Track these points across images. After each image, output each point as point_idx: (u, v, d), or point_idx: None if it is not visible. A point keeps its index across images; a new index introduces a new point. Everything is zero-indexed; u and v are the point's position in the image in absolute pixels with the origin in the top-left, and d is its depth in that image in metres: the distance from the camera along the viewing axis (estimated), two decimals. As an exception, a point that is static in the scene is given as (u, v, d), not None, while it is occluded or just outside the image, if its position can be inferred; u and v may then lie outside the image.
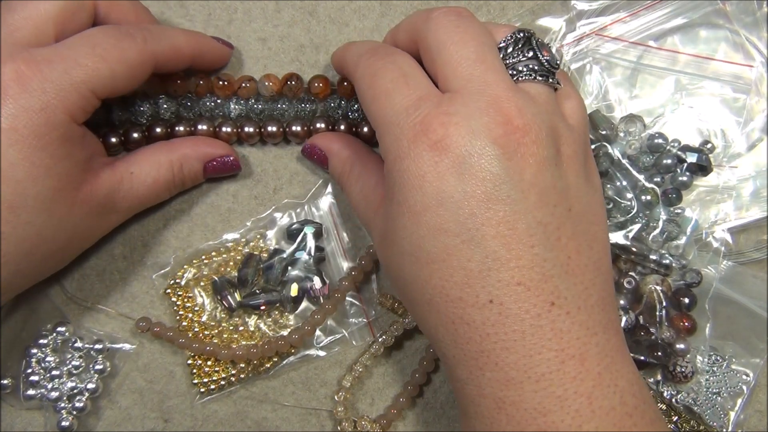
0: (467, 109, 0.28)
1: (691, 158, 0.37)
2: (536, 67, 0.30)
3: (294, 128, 0.38)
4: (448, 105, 0.28)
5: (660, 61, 0.39)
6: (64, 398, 0.37)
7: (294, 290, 0.37)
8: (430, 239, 0.28)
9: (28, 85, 0.30)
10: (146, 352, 0.38)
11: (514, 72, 0.30)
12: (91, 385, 0.37)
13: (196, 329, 0.37)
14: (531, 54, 0.31)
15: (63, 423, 0.36)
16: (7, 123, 0.29)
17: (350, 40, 0.40)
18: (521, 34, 0.31)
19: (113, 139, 0.37)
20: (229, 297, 0.37)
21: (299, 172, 0.39)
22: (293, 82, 0.38)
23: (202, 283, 0.38)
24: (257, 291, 0.37)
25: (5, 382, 0.37)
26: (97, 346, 0.37)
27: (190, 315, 0.38)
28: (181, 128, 0.38)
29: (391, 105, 0.30)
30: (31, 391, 0.37)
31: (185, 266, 0.38)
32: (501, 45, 0.31)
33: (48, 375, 0.37)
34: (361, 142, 0.38)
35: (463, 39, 0.30)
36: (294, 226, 0.38)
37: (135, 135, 0.37)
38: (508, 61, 0.31)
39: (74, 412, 0.37)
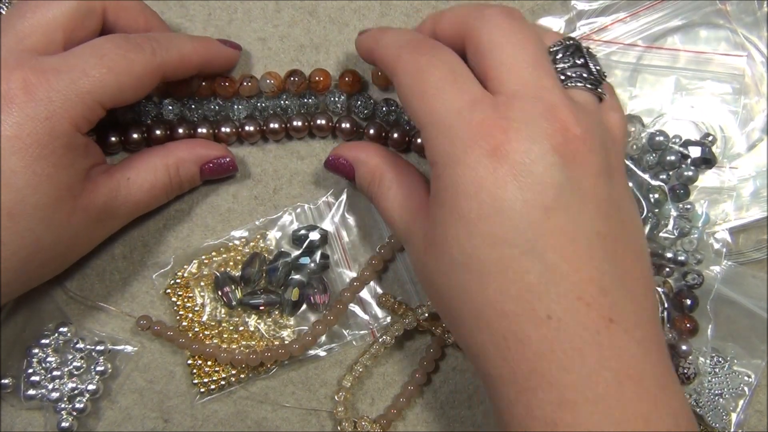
0: (525, 114, 0.27)
1: (695, 152, 0.37)
2: (586, 75, 0.30)
3: (295, 123, 0.38)
4: (506, 109, 0.27)
5: (660, 60, 0.39)
6: (65, 399, 0.37)
7: (295, 294, 0.37)
8: (486, 249, 0.26)
9: (35, 94, 0.29)
10: (146, 353, 0.38)
11: (564, 77, 0.30)
12: (91, 386, 0.37)
13: (197, 329, 0.37)
14: (582, 61, 0.30)
15: (63, 424, 0.36)
16: (10, 131, 0.29)
17: (350, 40, 0.40)
18: (571, 42, 0.31)
19: (113, 139, 0.37)
20: (230, 293, 0.37)
21: (299, 172, 0.39)
22: (295, 78, 0.38)
23: (202, 283, 0.38)
24: (258, 291, 0.37)
25: (6, 381, 0.37)
26: (99, 348, 0.37)
27: (191, 315, 0.38)
28: (181, 130, 0.38)
29: (443, 105, 0.28)
30: (31, 391, 0.37)
31: (185, 266, 0.38)
32: (552, 49, 0.30)
33: (49, 375, 0.37)
34: (387, 149, 0.37)
35: (520, 41, 0.29)
36: (300, 232, 0.38)
37: (135, 135, 0.38)
38: (558, 66, 0.30)
39: (74, 413, 0.37)
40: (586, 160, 0.27)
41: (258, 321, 0.38)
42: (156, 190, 0.35)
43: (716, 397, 0.38)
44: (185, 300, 0.38)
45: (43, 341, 0.37)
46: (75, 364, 0.37)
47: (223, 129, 0.38)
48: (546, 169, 0.26)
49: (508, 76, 0.28)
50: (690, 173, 0.37)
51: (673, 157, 0.37)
